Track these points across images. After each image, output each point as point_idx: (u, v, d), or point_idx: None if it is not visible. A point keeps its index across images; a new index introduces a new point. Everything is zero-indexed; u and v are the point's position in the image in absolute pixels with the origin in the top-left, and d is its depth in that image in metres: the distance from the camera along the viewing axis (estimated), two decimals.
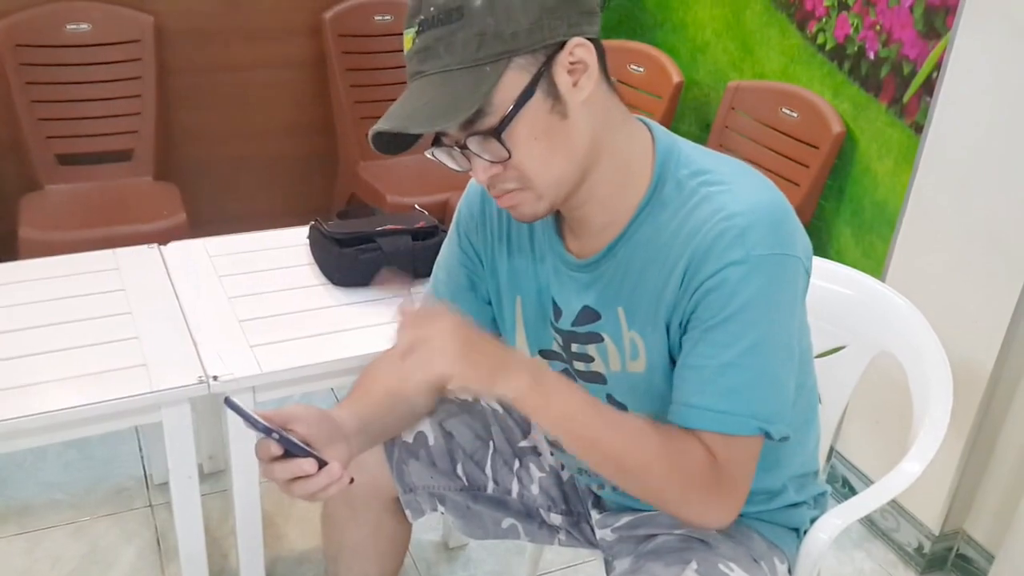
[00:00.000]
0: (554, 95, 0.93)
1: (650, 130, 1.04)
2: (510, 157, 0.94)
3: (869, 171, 2.08)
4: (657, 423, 1.00)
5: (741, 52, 2.45)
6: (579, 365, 1.12)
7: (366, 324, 1.54)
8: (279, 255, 1.75)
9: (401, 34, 0.96)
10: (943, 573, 1.96)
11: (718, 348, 0.96)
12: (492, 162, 0.95)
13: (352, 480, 0.99)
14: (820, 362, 1.18)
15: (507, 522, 1.31)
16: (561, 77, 0.93)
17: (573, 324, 1.10)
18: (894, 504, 1.97)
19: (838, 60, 2.14)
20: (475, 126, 0.93)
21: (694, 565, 1.06)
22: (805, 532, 1.20)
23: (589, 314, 1.08)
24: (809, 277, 1.02)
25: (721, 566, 1.06)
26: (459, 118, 0.91)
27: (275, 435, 0.95)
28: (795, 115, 2.19)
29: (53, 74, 2.40)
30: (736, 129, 2.35)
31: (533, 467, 1.32)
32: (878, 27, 2.01)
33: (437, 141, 0.98)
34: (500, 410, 1.34)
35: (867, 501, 1.20)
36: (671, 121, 2.51)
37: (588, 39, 0.94)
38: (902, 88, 1.97)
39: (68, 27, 2.38)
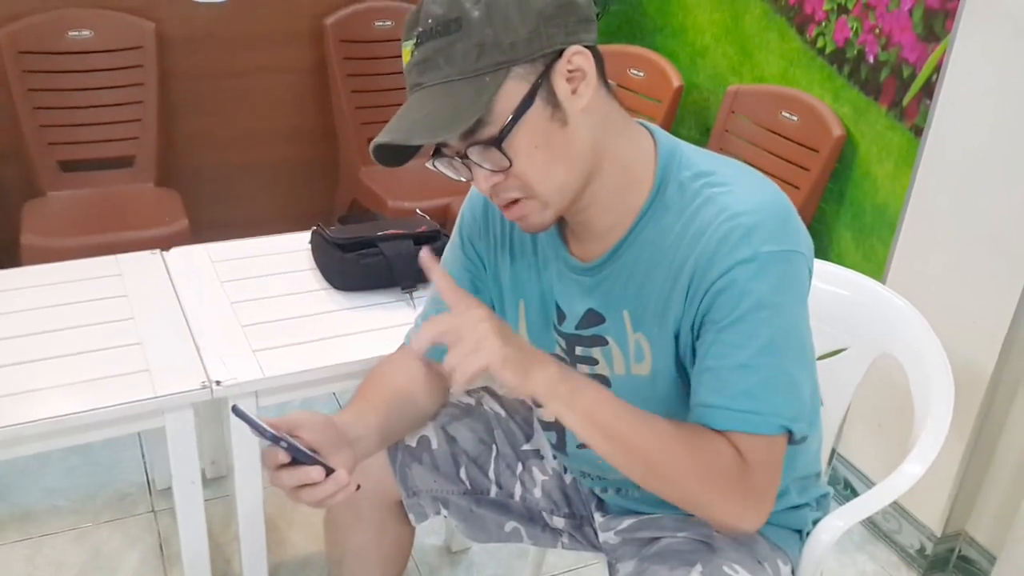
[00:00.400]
0: (553, 103, 0.94)
1: (651, 134, 1.05)
2: (511, 166, 0.95)
3: (869, 174, 2.08)
4: (684, 423, 1.00)
5: (741, 56, 2.46)
6: (583, 368, 1.12)
7: (368, 328, 1.54)
8: (281, 260, 1.75)
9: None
10: (945, 574, 1.96)
11: (734, 348, 0.96)
12: (493, 171, 0.96)
13: (359, 487, 1.00)
14: (821, 364, 1.18)
15: (510, 525, 1.31)
16: (560, 85, 0.94)
17: (577, 327, 1.11)
18: (896, 506, 1.98)
19: (838, 64, 2.14)
20: (475, 136, 0.93)
21: (699, 568, 1.06)
22: (808, 534, 1.20)
23: (593, 317, 1.09)
24: (812, 276, 1.03)
25: (726, 568, 1.06)
26: (460, 129, 0.92)
27: (283, 443, 0.95)
28: (795, 119, 2.19)
29: (55, 81, 2.40)
30: (736, 133, 2.35)
31: (536, 470, 1.32)
32: (877, 30, 2.02)
33: (438, 152, 0.99)
34: (503, 414, 1.34)
35: (869, 503, 1.20)
36: (671, 125, 2.52)
37: (586, 47, 0.95)
38: (902, 91, 1.97)
39: (70, 34, 2.39)
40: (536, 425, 1.33)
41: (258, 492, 1.52)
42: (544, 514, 1.32)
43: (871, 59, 2.04)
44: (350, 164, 2.79)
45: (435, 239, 1.68)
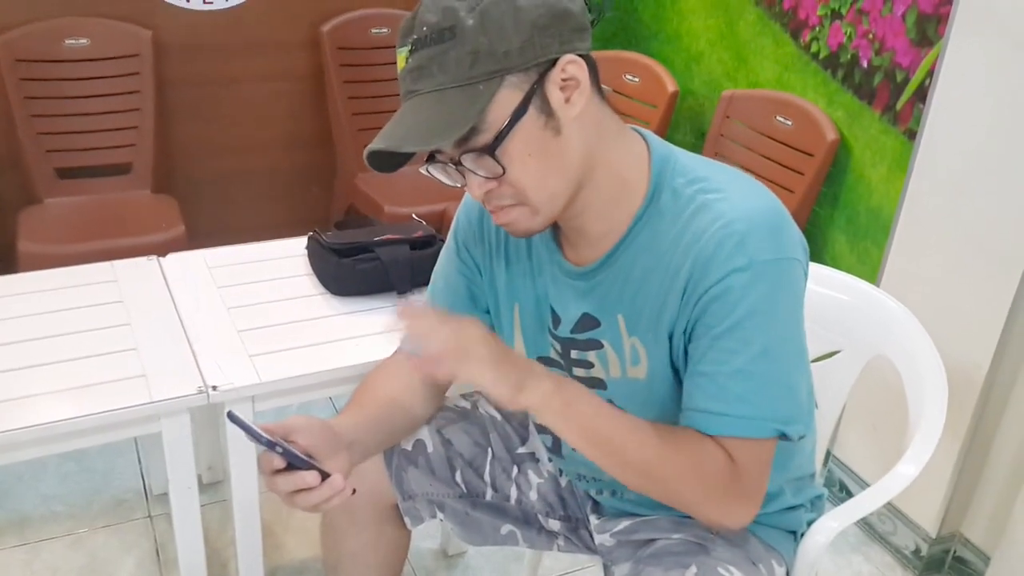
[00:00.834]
0: (547, 112, 0.95)
1: (645, 140, 1.06)
2: (504, 173, 0.95)
3: (863, 178, 2.09)
4: (675, 428, 1.02)
5: (735, 61, 2.47)
6: (579, 371, 1.13)
7: (364, 333, 1.55)
8: (277, 266, 1.75)
9: None
10: (940, 575, 1.97)
11: (729, 354, 0.97)
12: (487, 178, 0.97)
13: (354, 491, 1.00)
14: (816, 367, 1.19)
15: (506, 528, 1.31)
16: (553, 94, 0.95)
17: (572, 331, 1.11)
18: (891, 507, 1.98)
19: (831, 68, 2.15)
20: (469, 143, 0.94)
21: (693, 569, 1.07)
22: (802, 535, 1.21)
23: (588, 321, 1.09)
24: (807, 277, 1.04)
25: (720, 569, 1.07)
26: (453, 136, 0.92)
27: (278, 448, 0.96)
28: (789, 123, 2.20)
29: (52, 88, 2.41)
30: (731, 137, 2.36)
31: (531, 473, 1.32)
32: (871, 35, 2.03)
33: (432, 158, 1.00)
34: (498, 417, 1.34)
35: (863, 504, 1.20)
36: (666, 130, 2.53)
37: (580, 55, 0.95)
38: (895, 95, 1.98)
39: (67, 42, 2.40)
40: (531, 428, 1.34)
41: (254, 497, 1.52)
42: (540, 517, 1.32)
43: (865, 64, 2.06)
44: (347, 170, 2.79)
45: (431, 244, 1.69)
